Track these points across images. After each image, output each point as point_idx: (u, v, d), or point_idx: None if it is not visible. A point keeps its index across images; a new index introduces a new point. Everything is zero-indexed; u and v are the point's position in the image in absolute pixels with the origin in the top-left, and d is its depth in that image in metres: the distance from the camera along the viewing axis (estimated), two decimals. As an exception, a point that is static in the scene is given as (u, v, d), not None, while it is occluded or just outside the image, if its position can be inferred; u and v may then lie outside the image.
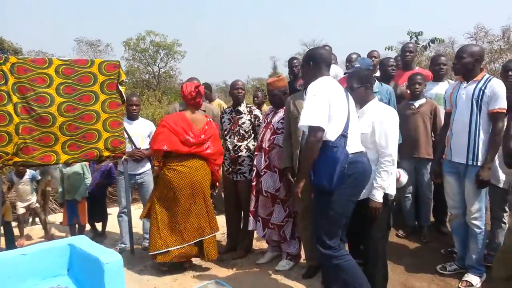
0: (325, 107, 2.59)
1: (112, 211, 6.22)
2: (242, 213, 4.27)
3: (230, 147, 4.12)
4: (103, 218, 5.30)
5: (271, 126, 3.78)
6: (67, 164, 4.57)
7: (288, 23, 72.12)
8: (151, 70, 24.90)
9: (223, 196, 4.72)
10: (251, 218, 3.92)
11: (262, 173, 3.76)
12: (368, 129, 2.92)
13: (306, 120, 2.57)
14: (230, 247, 4.33)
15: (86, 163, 4.98)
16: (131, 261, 4.05)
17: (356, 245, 3.18)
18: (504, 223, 3.66)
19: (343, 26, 66.12)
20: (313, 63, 2.82)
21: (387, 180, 2.88)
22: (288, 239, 3.81)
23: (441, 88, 4.38)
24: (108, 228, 5.33)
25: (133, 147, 4.38)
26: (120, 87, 4.11)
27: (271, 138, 3.73)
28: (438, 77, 4.54)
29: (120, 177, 4.52)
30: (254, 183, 3.86)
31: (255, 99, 5.55)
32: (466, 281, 3.36)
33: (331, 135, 2.64)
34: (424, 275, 3.56)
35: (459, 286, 3.35)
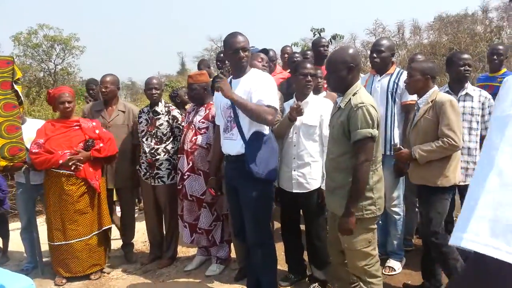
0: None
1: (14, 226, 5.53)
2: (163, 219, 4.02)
3: (147, 150, 3.80)
4: (2, 237, 4.63)
5: (192, 126, 3.57)
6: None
7: (194, 18, 71.25)
8: (46, 67, 22.88)
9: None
10: (180, 223, 3.71)
11: (185, 177, 3.54)
12: (316, 122, 3.01)
13: (272, 101, 2.67)
14: (155, 256, 4.05)
15: None
16: (42, 282, 3.59)
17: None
18: (418, 207, 3.91)
19: (248, 22, 67.20)
20: (248, 52, 2.76)
21: None
22: (218, 243, 3.67)
23: None
24: (10, 248, 4.67)
25: None
26: (15, 86, 3.59)
27: (193, 139, 3.52)
28: None
29: (19, 189, 3.95)
30: (179, 187, 3.64)
31: (176, 98, 5.18)
32: (389, 267, 3.52)
33: (266, 128, 2.76)
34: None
35: (383, 272, 3.50)
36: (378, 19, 10.49)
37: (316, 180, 3.07)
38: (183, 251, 4.26)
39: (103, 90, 3.97)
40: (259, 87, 2.65)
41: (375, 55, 3.31)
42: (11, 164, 3.60)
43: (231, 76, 2.95)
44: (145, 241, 4.64)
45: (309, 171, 3.07)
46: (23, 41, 21.81)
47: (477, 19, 8.67)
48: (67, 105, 3.61)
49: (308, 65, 3.15)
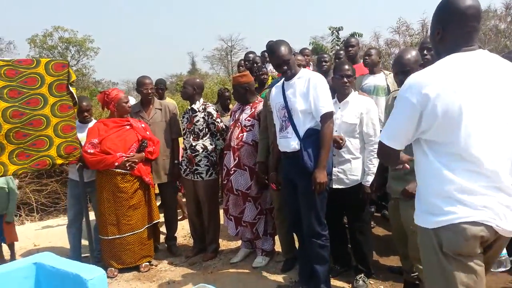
0: None
1: (53, 222, 5.77)
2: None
3: (187, 146, 4.01)
4: None
5: (239, 123, 3.75)
6: (16, 175, 4.05)
7: (204, 18, 71.29)
8: (62, 69, 23.13)
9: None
10: (225, 216, 3.89)
11: (232, 172, 3.72)
12: (356, 120, 3.14)
13: (328, 105, 2.88)
14: (198, 250, 4.23)
15: (12, 176, 4.40)
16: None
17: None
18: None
19: (261, 21, 67.19)
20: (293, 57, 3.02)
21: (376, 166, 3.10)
22: (261, 236, 3.83)
23: (378, 79, 4.55)
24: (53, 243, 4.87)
25: None
26: (70, 88, 3.78)
27: (239, 136, 3.70)
28: (370, 70, 4.73)
29: (70, 185, 4.15)
30: (224, 182, 3.83)
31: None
32: None
33: (319, 124, 2.93)
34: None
35: None
36: (402, 17, 10.56)
37: (356, 176, 3.21)
38: (224, 244, 4.44)
39: (149, 91, 4.19)
40: (314, 94, 2.87)
41: (426, 52, 3.51)
42: (67, 162, 3.80)
43: (283, 79, 3.13)
44: (185, 235, 4.83)
45: (350, 167, 3.22)
46: (39, 43, 22.23)
47: (501, 16, 8.68)
48: (129, 104, 3.89)
49: (345, 67, 3.28)
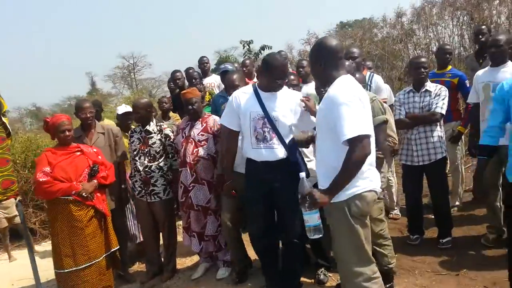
0: None
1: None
2: (161, 234, 4.14)
3: (141, 168, 3.91)
4: None
5: (191, 139, 3.78)
6: None
7: (103, 36, 67.99)
8: None
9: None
10: (185, 235, 3.87)
11: (190, 188, 3.74)
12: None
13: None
14: (154, 273, 4.12)
15: None
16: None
17: None
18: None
19: (161, 39, 66.04)
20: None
21: None
22: (223, 247, 3.90)
23: (310, 88, 4.92)
24: None
25: None
26: (3, 119, 3.50)
27: (194, 152, 3.74)
28: (303, 79, 5.13)
29: None
30: (182, 200, 3.82)
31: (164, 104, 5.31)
32: None
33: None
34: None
35: None
36: (311, 30, 11.33)
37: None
38: (179, 262, 4.36)
39: (88, 115, 3.97)
40: (303, 112, 3.19)
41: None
42: (5, 198, 3.50)
43: (252, 88, 3.24)
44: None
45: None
46: None
47: (391, 23, 9.77)
48: (67, 133, 3.55)
49: (291, 77, 3.70)
